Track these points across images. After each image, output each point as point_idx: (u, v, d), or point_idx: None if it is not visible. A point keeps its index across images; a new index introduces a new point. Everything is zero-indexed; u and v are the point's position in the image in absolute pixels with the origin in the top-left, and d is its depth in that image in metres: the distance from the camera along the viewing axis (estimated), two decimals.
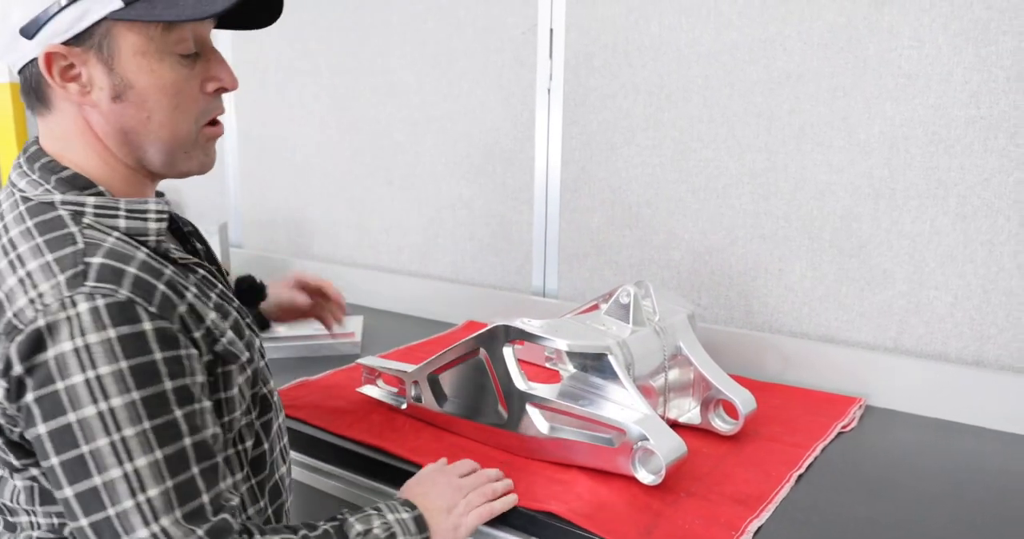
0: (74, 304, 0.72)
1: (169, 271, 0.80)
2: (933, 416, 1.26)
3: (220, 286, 0.91)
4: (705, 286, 1.51)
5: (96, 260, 0.75)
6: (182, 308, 0.78)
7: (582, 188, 1.63)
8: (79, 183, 0.82)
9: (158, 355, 0.74)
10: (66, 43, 0.78)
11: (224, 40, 2.24)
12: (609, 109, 1.56)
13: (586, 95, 1.59)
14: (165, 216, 0.85)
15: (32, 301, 0.73)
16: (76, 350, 0.71)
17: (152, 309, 0.74)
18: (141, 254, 0.79)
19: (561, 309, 1.49)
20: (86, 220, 0.80)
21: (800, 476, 1.05)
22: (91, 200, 0.81)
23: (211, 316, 0.83)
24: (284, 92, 2.15)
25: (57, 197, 0.81)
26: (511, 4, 1.67)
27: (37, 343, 0.72)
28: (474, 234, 1.84)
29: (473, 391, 1.15)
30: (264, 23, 0.93)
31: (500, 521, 0.99)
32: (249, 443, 0.90)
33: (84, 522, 0.73)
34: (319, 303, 1.39)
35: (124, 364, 0.72)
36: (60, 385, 0.71)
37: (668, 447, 0.97)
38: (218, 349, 0.82)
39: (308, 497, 1.22)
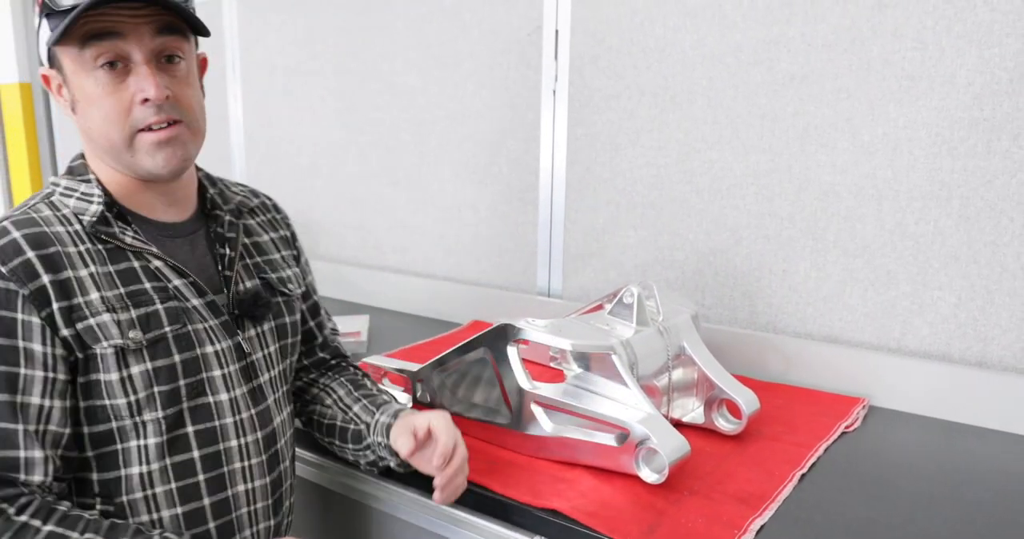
0: None
1: (77, 249, 0.88)
2: (936, 417, 1.27)
3: (176, 282, 0.94)
4: (709, 286, 1.52)
5: (3, 223, 0.87)
6: (47, 278, 0.85)
7: (587, 189, 1.64)
8: (76, 171, 0.96)
9: None
10: (51, 66, 0.93)
11: (232, 42, 2.25)
12: (614, 110, 1.57)
13: (591, 96, 1.60)
14: (103, 202, 0.92)
15: None
16: None
17: (3, 270, 0.84)
18: (57, 228, 0.89)
19: (565, 309, 1.50)
20: (53, 198, 0.93)
21: (803, 476, 1.06)
22: (64, 182, 0.95)
23: (93, 295, 0.87)
24: (290, 93, 2.17)
25: (52, 178, 0.96)
26: (516, 6, 1.68)
27: None
28: (479, 234, 1.85)
29: (478, 390, 1.15)
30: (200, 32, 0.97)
31: (504, 519, 1.00)
32: (152, 440, 0.90)
33: None
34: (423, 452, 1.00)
35: None
36: None
37: (671, 446, 0.98)
38: (80, 327, 0.86)
39: (316, 495, 1.23)
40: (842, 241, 1.36)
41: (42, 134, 3.14)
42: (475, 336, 1.13)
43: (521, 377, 1.09)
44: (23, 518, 0.80)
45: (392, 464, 1.05)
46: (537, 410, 1.08)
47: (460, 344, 1.16)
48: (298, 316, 1.13)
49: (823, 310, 1.40)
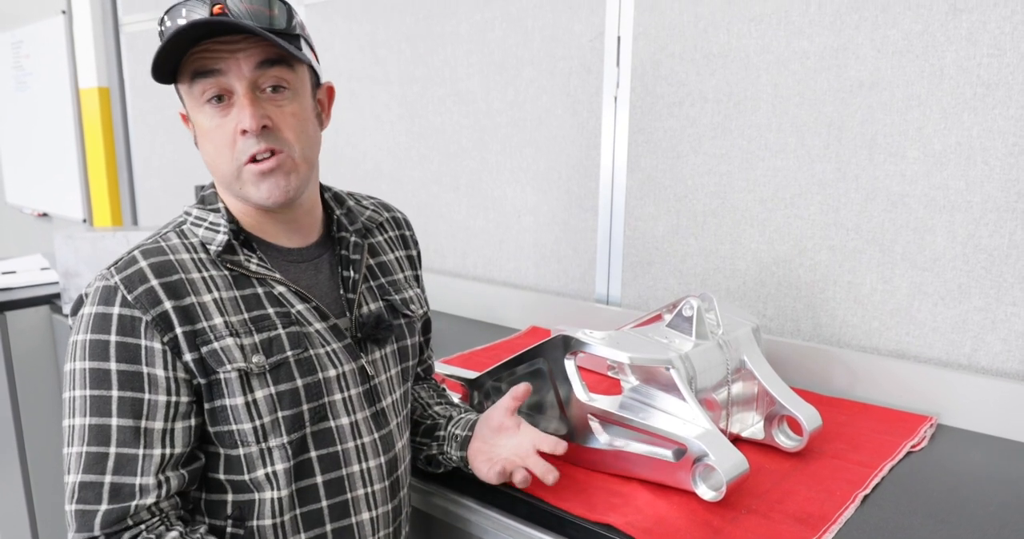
0: (95, 281, 0.90)
1: (201, 275, 0.91)
2: (1008, 437, 1.22)
3: (298, 307, 0.95)
4: (771, 297, 1.49)
5: (135, 252, 0.91)
6: (169, 304, 0.87)
7: (647, 196, 1.63)
8: (207, 200, 0.99)
9: (113, 337, 0.86)
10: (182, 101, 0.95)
11: None
12: (676, 117, 1.55)
13: (653, 103, 1.58)
14: (228, 231, 0.94)
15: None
16: (80, 317, 0.88)
17: (129, 297, 0.87)
18: (182, 256, 0.92)
19: (624, 317, 1.49)
20: (184, 226, 0.96)
21: (866, 497, 1.03)
22: (195, 212, 0.97)
23: (217, 320, 0.89)
24: (355, 100, 2.20)
25: (185, 207, 0.99)
26: (578, 12, 1.67)
27: (78, 306, 0.91)
28: (538, 240, 1.85)
29: (534, 401, 1.16)
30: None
31: (559, 531, 1.00)
32: (280, 466, 0.91)
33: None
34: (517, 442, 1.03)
35: (88, 336, 0.86)
36: (70, 340, 0.89)
37: (729, 463, 0.97)
38: (204, 351, 0.88)
39: None
40: (911, 253, 1.32)
41: (119, 137, 3.26)
42: (532, 346, 1.14)
43: (578, 389, 1.09)
44: None
45: (455, 458, 1.07)
46: (593, 422, 1.08)
47: (517, 354, 1.16)
48: (418, 338, 1.13)
49: (890, 324, 1.36)
